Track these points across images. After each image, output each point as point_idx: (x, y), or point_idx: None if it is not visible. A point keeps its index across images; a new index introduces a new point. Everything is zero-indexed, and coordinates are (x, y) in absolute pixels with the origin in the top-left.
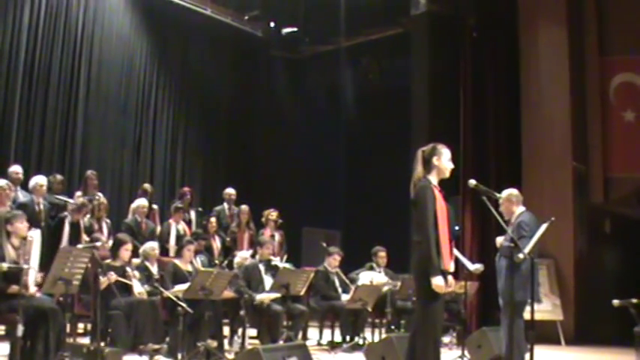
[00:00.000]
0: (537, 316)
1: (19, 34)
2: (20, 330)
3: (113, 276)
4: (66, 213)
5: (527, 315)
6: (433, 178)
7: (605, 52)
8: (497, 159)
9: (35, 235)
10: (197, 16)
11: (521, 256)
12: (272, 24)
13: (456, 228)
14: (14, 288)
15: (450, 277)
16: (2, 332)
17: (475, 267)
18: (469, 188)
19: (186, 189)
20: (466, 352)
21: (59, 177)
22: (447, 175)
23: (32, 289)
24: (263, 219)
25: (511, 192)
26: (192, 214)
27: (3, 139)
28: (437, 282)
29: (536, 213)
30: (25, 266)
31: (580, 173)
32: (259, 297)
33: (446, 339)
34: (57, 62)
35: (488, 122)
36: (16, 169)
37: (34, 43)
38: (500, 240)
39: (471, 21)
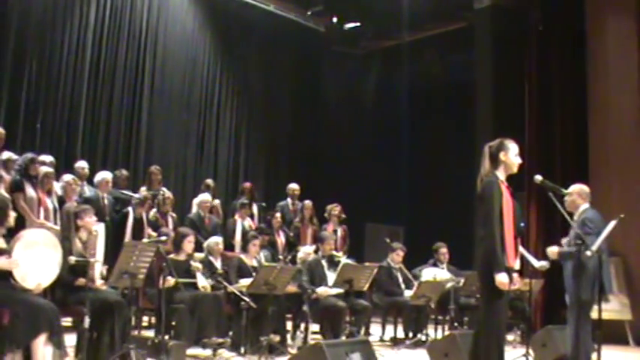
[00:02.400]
0: (605, 316)
1: (85, 33)
2: (87, 322)
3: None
4: (129, 208)
5: (594, 314)
6: (500, 174)
7: None
8: (563, 154)
9: (99, 229)
10: (259, 12)
11: (589, 253)
12: (335, 19)
13: (522, 224)
14: (81, 281)
15: (515, 275)
16: (69, 324)
17: (540, 264)
18: (535, 184)
19: (247, 184)
20: (531, 351)
21: (125, 172)
22: (515, 170)
23: (98, 282)
24: (326, 214)
25: (582, 187)
26: (255, 209)
27: (70, 136)
28: (500, 279)
29: (605, 209)
30: (92, 260)
31: None
32: (320, 290)
33: (510, 337)
34: (122, 59)
35: (554, 116)
36: (81, 164)
37: (100, 40)
38: (563, 244)
39: (536, 14)
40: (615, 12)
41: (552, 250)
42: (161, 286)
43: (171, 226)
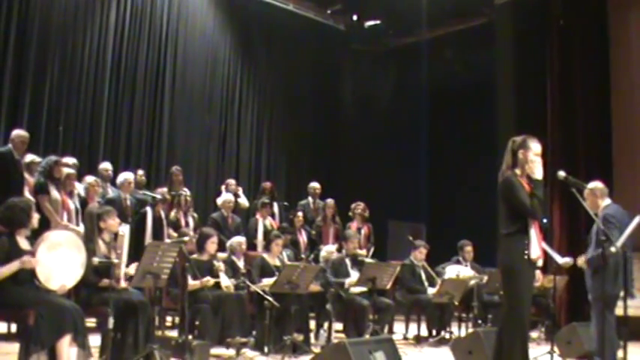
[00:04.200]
0: (631, 312)
1: (106, 35)
2: (111, 322)
3: (210, 281)
4: (147, 208)
5: (620, 310)
6: (519, 171)
7: None
8: (586, 150)
9: (125, 231)
10: (279, 11)
11: (613, 249)
12: (354, 17)
13: (544, 221)
14: (105, 282)
15: (538, 272)
16: (94, 324)
17: (564, 260)
18: (558, 180)
19: (267, 183)
20: (555, 348)
21: (140, 171)
22: (533, 172)
23: (122, 283)
24: (350, 212)
25: (595, 185)
26: (275, 208)
27: (92, 137)
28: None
29: (629, 204)
30: (116, 260)
31: None
32: (348, 281)
33: (534, 334)
34: (143, 61)
35: (577, 112)
36: (106, 165)
37: (121, 43)
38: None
39: (558, 8)
40: (638, 5)
41: (581, 260)
42: (185, 284)
43: (192, 225)
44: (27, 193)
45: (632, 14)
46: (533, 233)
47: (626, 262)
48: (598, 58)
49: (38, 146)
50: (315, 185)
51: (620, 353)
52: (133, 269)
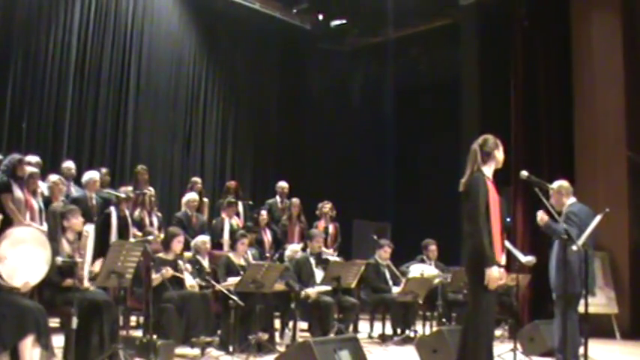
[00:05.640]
0: (591, 310)
1: (70, 32)
2: (75, 322)
3: (169, 271)
4: (111, 208)
5: (581, 308)
6: (487, 170)
7: None
8: (549, 150)
9: (90, 230)
10: (245, 10)
11: (574, 247)
12: (320, 17)
13: (508, 220)
14: (69, 281)
15: (501, 270)
16: (57, 325)
17: (527, 259)
18: (521, 179)
19: (232, 183)
20: (518, 346)
21: (104, 170)
22: (500, 165)
23: (86, 282)
24: (317, 211)
25: (561, 184)
26: (240, 207)
27: (56, 135)
28: (492, 273)
29: (590, 204)
30: (79, 260)
31: (635, 163)
32: (306, 291)
33: (498, 332)
34: (107, 59)
35: (540, 112)
36: (68, 164)
37: (85, 40)
38: (541, 214)
39: (522, 10)
40: (599, 7)
41: (543, 217)
42: (149, 283)
43: (156, 224)
44: None
45: (594, 15)
46: (496, 234)
47: (587, 260)
48: (561, 59)
49: (1, 144)
50: (283, 184)
51: (581, 350)
52: (98, 266)
